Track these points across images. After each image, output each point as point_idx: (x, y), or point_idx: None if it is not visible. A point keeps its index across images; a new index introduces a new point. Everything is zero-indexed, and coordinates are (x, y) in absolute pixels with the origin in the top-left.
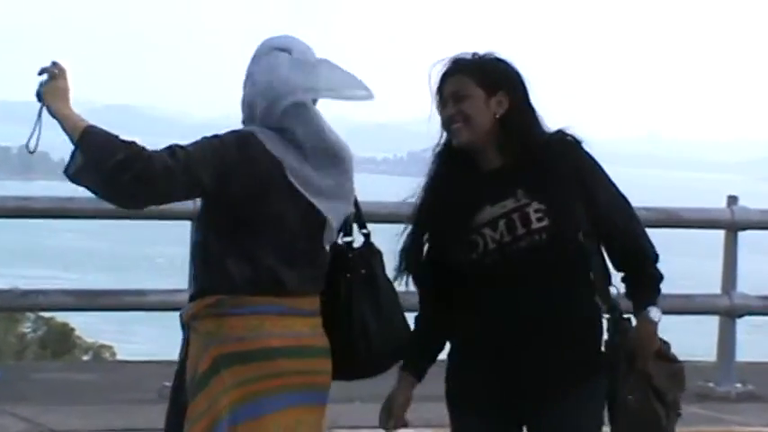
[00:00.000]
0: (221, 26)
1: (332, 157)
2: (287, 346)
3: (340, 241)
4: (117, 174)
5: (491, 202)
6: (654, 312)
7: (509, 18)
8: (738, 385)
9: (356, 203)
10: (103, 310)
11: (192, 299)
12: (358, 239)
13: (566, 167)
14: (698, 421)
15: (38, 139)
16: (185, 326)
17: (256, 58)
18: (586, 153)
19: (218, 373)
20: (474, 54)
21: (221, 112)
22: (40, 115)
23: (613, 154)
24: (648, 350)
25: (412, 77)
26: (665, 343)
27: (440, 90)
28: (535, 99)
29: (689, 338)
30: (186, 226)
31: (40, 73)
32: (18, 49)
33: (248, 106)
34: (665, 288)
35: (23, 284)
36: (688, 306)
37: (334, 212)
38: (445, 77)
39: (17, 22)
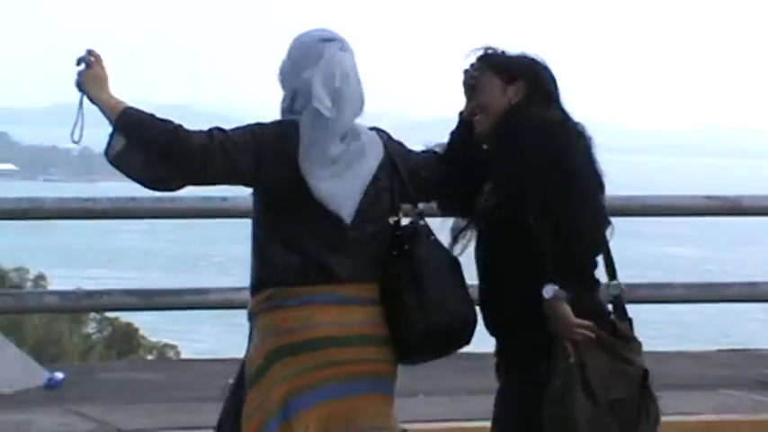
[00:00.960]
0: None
1: (359, 169)
2: (339, 336)
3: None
4: (154, 154)
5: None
6: (546, 289)
7: (565, 15)
8: None
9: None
10: (166, 309)
11: (251, 294)
12: None
13: (530, 153)
14: (761, 408)
15: (81, 129)
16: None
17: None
18: (559, 141)
19: (271, 367)
20: (503, 51)
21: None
22: (81, 105)
23: (675, 145)
24: (553, 327)
25: (425, 81)
26: (629, 341)
27: (465, 75)
28: (562, 96)
29: (754, 326)
30: (247, 224)
31: (78, 63)
32: (71, 52)
33: (302, 96)
34: (731, 276)
35: (87, 285)
36: (753, 294)
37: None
38: (473, 65)
39: (70, 26)
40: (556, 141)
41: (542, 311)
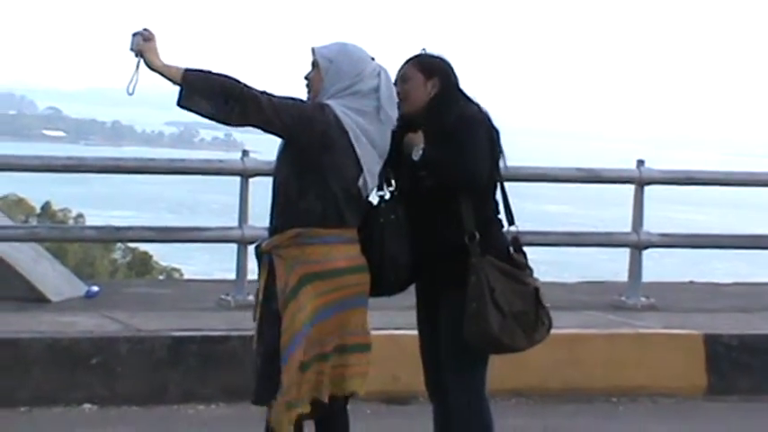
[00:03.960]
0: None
1: (382, 148)
2: (348, 266)
3: (376, 194)
4: (219, 100)
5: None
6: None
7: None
8: (643, 299)
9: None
10: (175, 241)
11: (273, 232)
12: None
13: (447, 130)
14: (613, 325)
15: (135, 84)
16: (262, 254)
17: (353, 58)
18: (467, 121)
19: (304, 287)
20: (423, 50)
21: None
22: (137, 66)
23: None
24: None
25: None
26: (523, 269)
27: (398, 73)
28: (464, 86)
29: (608, 265)
30: (235, 180)
31: (134, 35)
32: (105, 42)
33: (345, 89)
34: (591, 228)
35: (115, 222)
36: (608, 241)
37: (371, 175)
38: (403, 65)
39: (96, 21)
40: (473, 128)
41: (460, 254)
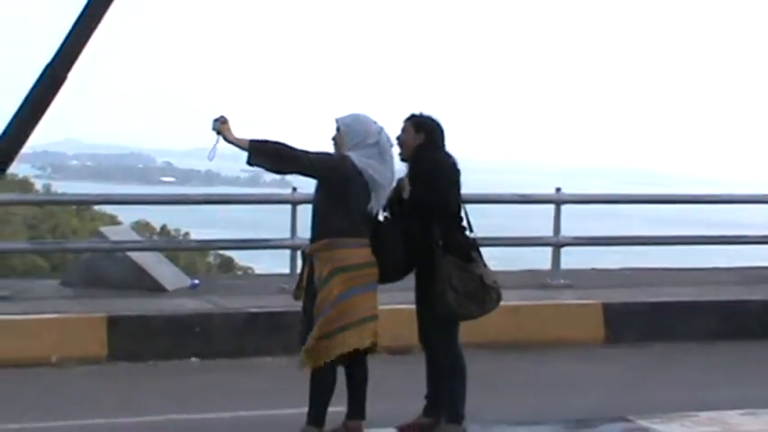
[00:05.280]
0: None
1: (388, 182)
2: (364, 262)
3: (383, 214)
4: (275, 157)
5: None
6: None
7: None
8: (562, 281)
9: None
10: (249, 248)
11: (313, 240)
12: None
13: (425, 174)
14: (542, 298)
15: (214, 154)
16: (307, 255)
17: (362, 123)
18: (438, 167)
19: (333, 277)
20: (421, 113)
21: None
22: (217, 141)
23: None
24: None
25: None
26: (475, 261)
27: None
28: (446, 141)
29: (538, 256)
30: (287, 207)
31: (215, 120)
32: (198, 113)
33: (358, 144)
34: (526, 234)
35: (209, 237)
36: (538, 242)
37: (379, 202)
38: (405, 120)
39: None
40: (442, 171)
41: (432, 254)
